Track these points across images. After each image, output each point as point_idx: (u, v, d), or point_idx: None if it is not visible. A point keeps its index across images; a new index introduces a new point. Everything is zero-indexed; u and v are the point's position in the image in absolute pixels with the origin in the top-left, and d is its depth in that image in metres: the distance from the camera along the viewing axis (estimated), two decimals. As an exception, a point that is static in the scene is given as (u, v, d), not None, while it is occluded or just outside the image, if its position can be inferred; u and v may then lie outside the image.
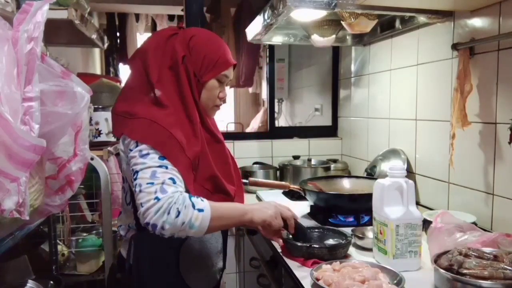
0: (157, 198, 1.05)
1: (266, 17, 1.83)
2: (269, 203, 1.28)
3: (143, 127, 1.13)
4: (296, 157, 2.57)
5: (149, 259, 1.21)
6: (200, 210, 1.09)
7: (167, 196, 1.06)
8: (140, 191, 1.07)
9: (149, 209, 1.05)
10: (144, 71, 1.21)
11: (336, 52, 2.78)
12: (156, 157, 1.11)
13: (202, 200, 1.11)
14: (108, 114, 1.86)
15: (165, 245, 1.19)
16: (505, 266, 1.01)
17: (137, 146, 1.12)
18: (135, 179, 1.09)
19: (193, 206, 1.08)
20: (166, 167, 1.10)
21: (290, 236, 1.34)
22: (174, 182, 1.10)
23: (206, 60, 1.23)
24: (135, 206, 1.16)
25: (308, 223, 1.61)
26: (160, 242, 1.15)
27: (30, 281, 1.47)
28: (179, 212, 1.06)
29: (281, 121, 3.94)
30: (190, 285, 1.25)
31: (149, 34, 4.36)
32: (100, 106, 1.86)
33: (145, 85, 1.20)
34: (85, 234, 1.98)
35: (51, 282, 1.58)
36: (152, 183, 1.07)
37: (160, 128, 1.13)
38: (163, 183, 1.07)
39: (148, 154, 1.11)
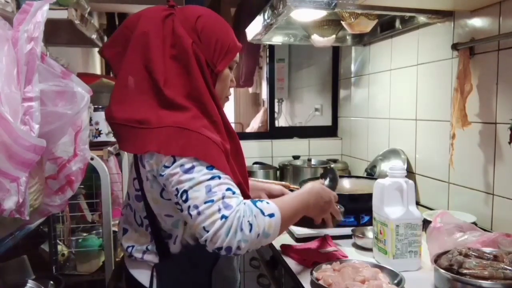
0: (224, 217, 0.90)
1: (266, 17, 1.83)
2: (321, 193, 1.18)
3: (173, 137, 0.95)
4: (296, 157, 2.57)
5: (180, 285, 1.08)
6: (271, 216, 0.96)
7: (234, 211, 0.91)
8: (199, 213, 0.91)
9: (218, 232, 0.90)
10: (144, 64, 1.00)
11: (336, 52, 2.78)
12: (203, 169, 0.94)
13: (268, 203, 0.99)
14: (108, 114, 1.85)
15: (197, 268, 1.08)
16: (505, 266, 1.01)
17: (175, 161, 0.94)
18: (185, 200, 0.93)
19: (262, 213, 0.96)
20: (219, 177, 0.94)
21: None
22: (234, 193, 0.95)
23: (218, 46, 1.04)
24: (155, 229, 1.06)
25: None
26: (191, 266, 1.06)
27: (30, 281, 1.46)
28: (251, 225, 0.92)
29: (281, 121, 3.94)
30: None
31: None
32: (100, 106, 1.86)
33: (149, 82, 0.99)
34: (85, 234, 1.97)
35: (51, 282, 1.58)
36: (212, 201, 0.91)
37: (194, 135, 0.95)
38: (223, 197, 0.92)
39: (193, 167, 0.93)
